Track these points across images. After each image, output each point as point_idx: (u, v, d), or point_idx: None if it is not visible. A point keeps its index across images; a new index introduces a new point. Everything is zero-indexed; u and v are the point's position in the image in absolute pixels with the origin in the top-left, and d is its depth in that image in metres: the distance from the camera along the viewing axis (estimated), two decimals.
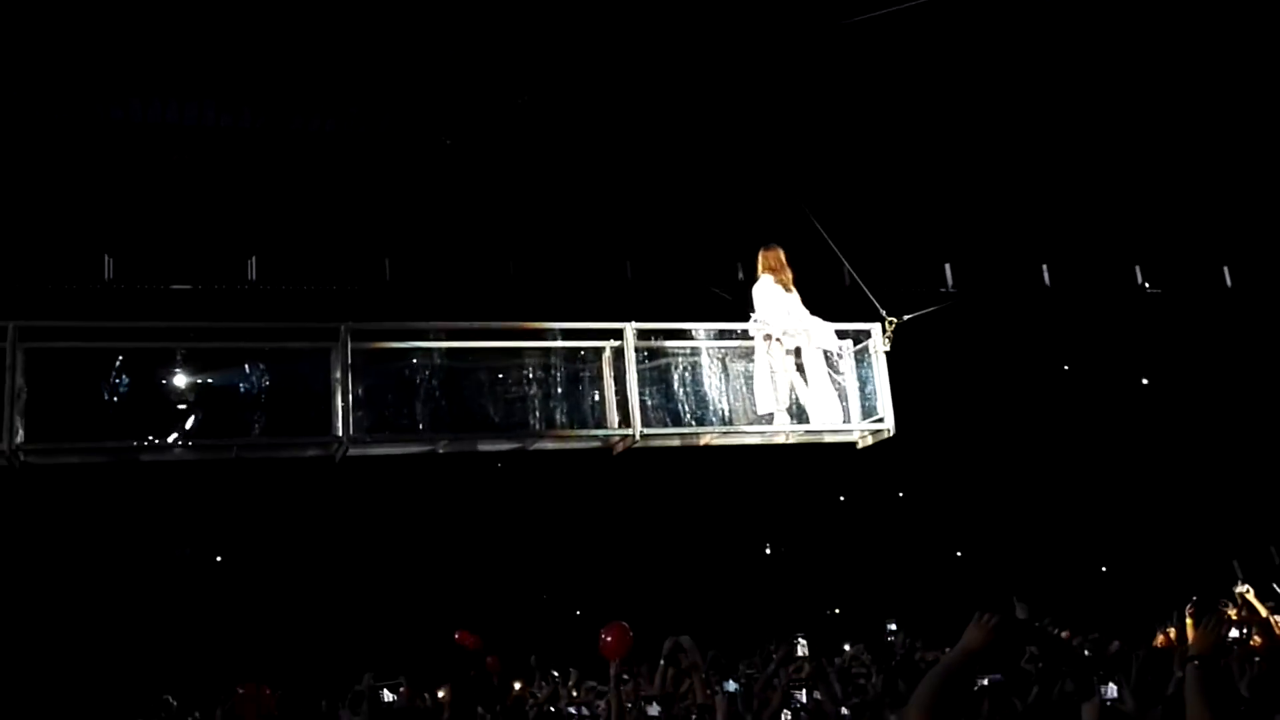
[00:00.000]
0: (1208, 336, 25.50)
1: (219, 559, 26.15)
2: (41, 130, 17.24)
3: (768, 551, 29.62)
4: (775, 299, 11.50)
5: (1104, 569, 28.49)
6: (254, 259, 19.65)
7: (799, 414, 11.34)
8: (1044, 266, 23.80)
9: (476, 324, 10.71)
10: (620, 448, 10.78)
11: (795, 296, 11.59)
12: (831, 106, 18.81)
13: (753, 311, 11.59)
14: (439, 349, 10.33)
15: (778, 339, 11.28)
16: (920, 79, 18.33)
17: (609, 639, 11.86)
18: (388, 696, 14.10)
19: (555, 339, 10.72)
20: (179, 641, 22.98)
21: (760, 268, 11.85)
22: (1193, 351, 26.13)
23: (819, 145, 19.20)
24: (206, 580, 25.29)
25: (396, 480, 22.54)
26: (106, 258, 18.81)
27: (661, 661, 10.99)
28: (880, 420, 11.34)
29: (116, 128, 17.68)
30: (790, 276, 11.73)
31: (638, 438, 10.57)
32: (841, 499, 28.82)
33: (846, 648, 17.16)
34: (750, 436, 11.37)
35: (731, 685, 11.32)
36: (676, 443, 11.20)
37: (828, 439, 11.53)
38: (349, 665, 16.37)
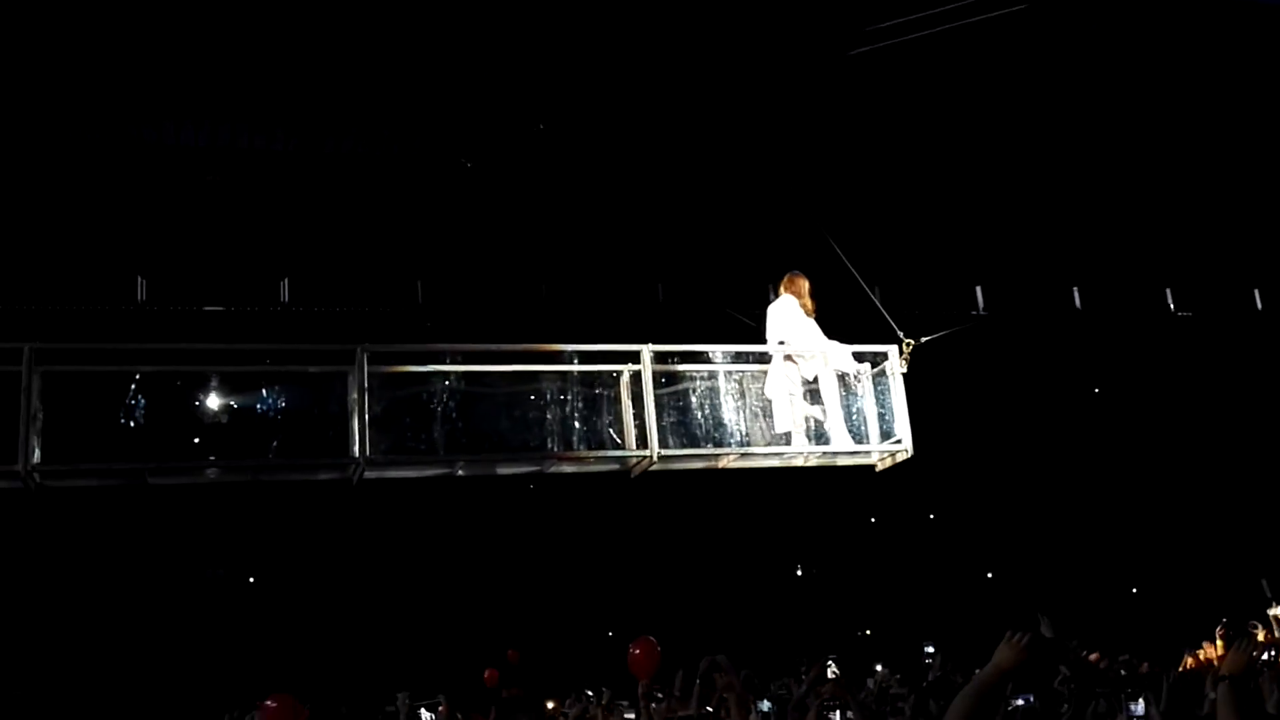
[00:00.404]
0: (1238, 359, 25.40)
1: (251, 580, 26.28)
2: (75, 152, 17.43)
3: (799, 573, 29.58)
4: (795, 320, 11.51)
5: (1134, 590, 28.36)
6: (286, 280, 19.78)
7: (817, 437, 11.33)
8: (1075, 289, 23.76)
9: (493, 346, 10.71)
10: (638, 470, 10.77)
11: (814, 324, 11.58)
12: (869, 133, 18.86)
13: (764, 329, 11.64)
14: (456, 371, 10.35)
15: (795, 360, 11.29)
16: (954, 104, 18.37)
17: (637, 652, 11.88)
18: (426, 716, 14.19)
19: (572, 361, 10.73)
20: (213, 661, 23.12)
21: (784, 289, 11.87)
22: (1223, 374, 26.01)
23: (853, 171, 19.24)
24: (239, 600, 25.43)
25: (430, 501, 22.65)
26: (140, 279, 18.98)
27: (697, 681, 11.00)
28: (898, 442, 11.30)
29: (150, 150, 17.86)
30: (812, 306, 11.74)
31: (655, 459, 10.53)
32: (872, 521, 28.77)
33: (879, 668, 17.16)
34: (768, 459, 11.32)
35: (765, 705, 11.31)
36: (694, 465, 11.18)
37: (845, 461, 11.48)
38: (380, 686, 16.46)
